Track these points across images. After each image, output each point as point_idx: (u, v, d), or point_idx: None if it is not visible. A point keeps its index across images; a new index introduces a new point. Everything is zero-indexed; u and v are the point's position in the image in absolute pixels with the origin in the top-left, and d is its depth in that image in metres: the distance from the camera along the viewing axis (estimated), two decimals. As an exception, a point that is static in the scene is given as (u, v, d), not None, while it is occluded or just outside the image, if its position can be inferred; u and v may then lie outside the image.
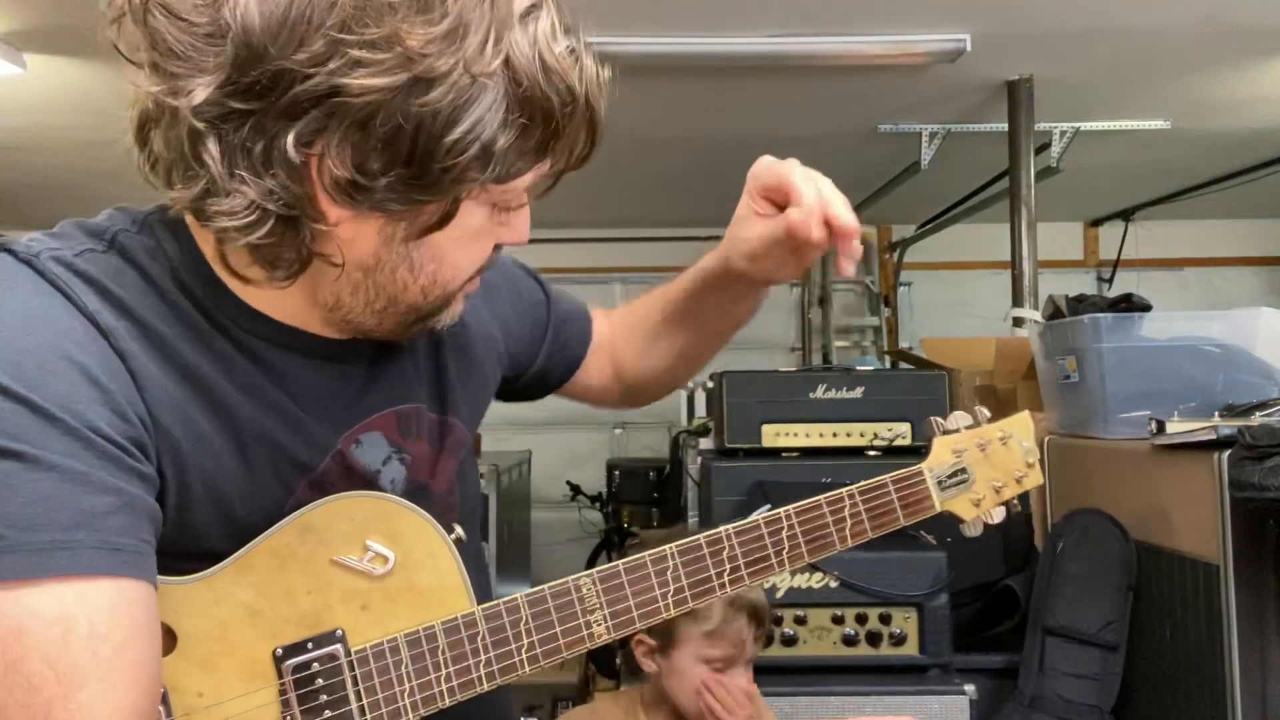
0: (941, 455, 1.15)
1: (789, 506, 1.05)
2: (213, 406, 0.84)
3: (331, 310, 0.87)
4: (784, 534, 1.03)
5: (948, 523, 1.16)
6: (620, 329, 1.29)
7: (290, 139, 0.74)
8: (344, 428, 0.92)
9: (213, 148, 0.75)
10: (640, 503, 4.97)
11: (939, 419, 1.18)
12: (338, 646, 0.87)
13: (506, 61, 0.76)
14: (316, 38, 0.72)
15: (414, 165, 0.75)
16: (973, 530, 1.16)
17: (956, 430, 1.16)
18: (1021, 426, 1.19)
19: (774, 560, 1.03)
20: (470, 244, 0.87)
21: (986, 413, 1.18)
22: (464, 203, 0.81)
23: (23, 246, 0.82)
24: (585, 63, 0.82)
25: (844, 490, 1.07)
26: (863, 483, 1.08)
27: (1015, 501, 1.18)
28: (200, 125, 0.74)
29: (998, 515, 1.17)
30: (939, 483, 1.13)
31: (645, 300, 1.28)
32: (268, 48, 0.72)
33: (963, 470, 1.14)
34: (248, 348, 0.86)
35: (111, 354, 0.79)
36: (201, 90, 0.73)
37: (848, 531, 1.06)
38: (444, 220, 0.81)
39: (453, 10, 0.74)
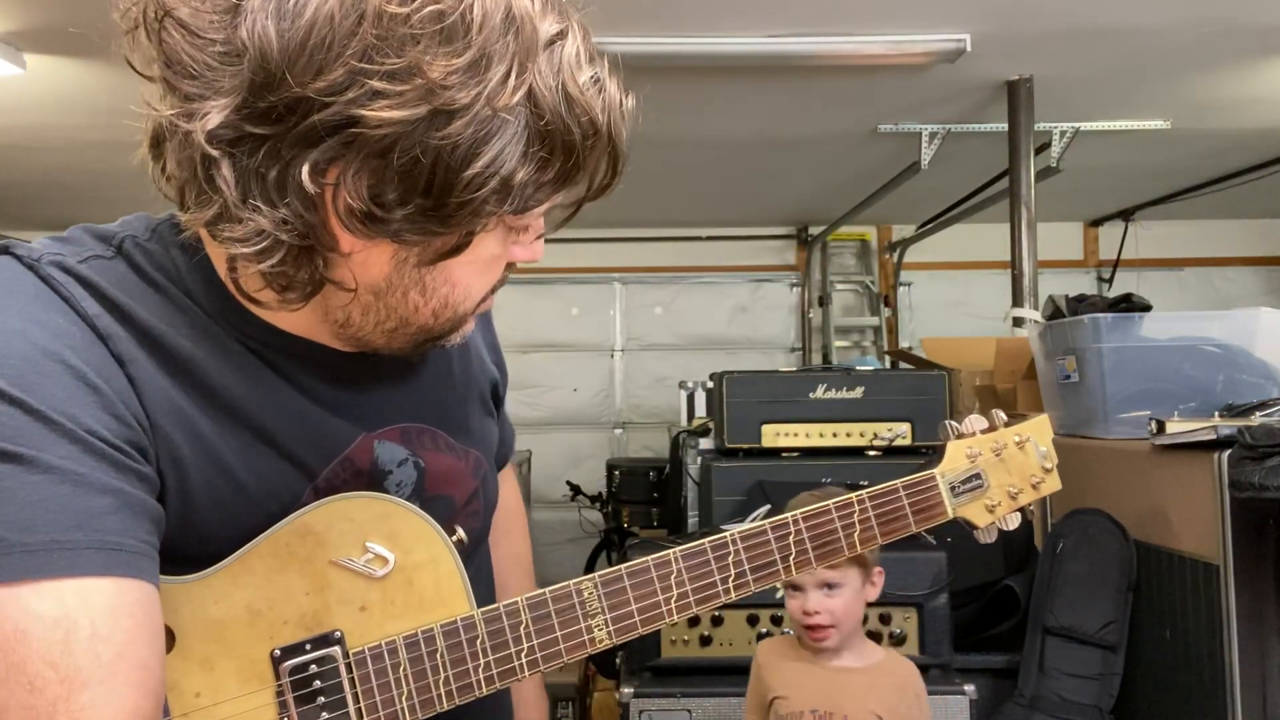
0: (955, 460, 1.11)
1: (797, 511, 1.03)
2: (219, 410, 0.84)
3: (342, 327, 0.87)
4: (791, 540, 1.01)
5: (949, 523, 1.15)
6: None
7: (306, 168, 0.73)
8: (357, 434, 0.92)
9: (226, 174, 0.73)
10: (640, 503, 4.96)
11: (953, 422, 1.15)
12: (336, 648, 0.87)
13: (529, 94, 0.74)
14: (336, 66, 0.71)
15: (431, 197, 0.74)
16: (986, 537, 1.13)
17: (971, 434, 1.13)
18: (1039, 430, 1.16)
19: (780, 566, 1.01)
20: (484, 269, 0.86)
21: (1003, 416, 1.15)
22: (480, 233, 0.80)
23: (26, 250, 0.81)
24: (609, 91, 0.79)
25: (853, 495, 1.05)
26: (873, 488, 1.06)
27: (1031, 507, 1.15)
28: (214, 152, 0.73)
29: (1013, 521, 1.13)
30: (952, 488, 1.10)
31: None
32: (285, 74, 0.71)
33: (977, 475, 1.12)
34: (259, 353, 0.86)
35: (110, 359, 0.79)
36: (216, 114, 0.72)
37: (856, 538, 1.04)
38: (458, 249, 0.80)
39: (476, 41, 0.72)
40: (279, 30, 0.71)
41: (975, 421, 1.15)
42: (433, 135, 0.72)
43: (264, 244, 0.75)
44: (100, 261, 0.82)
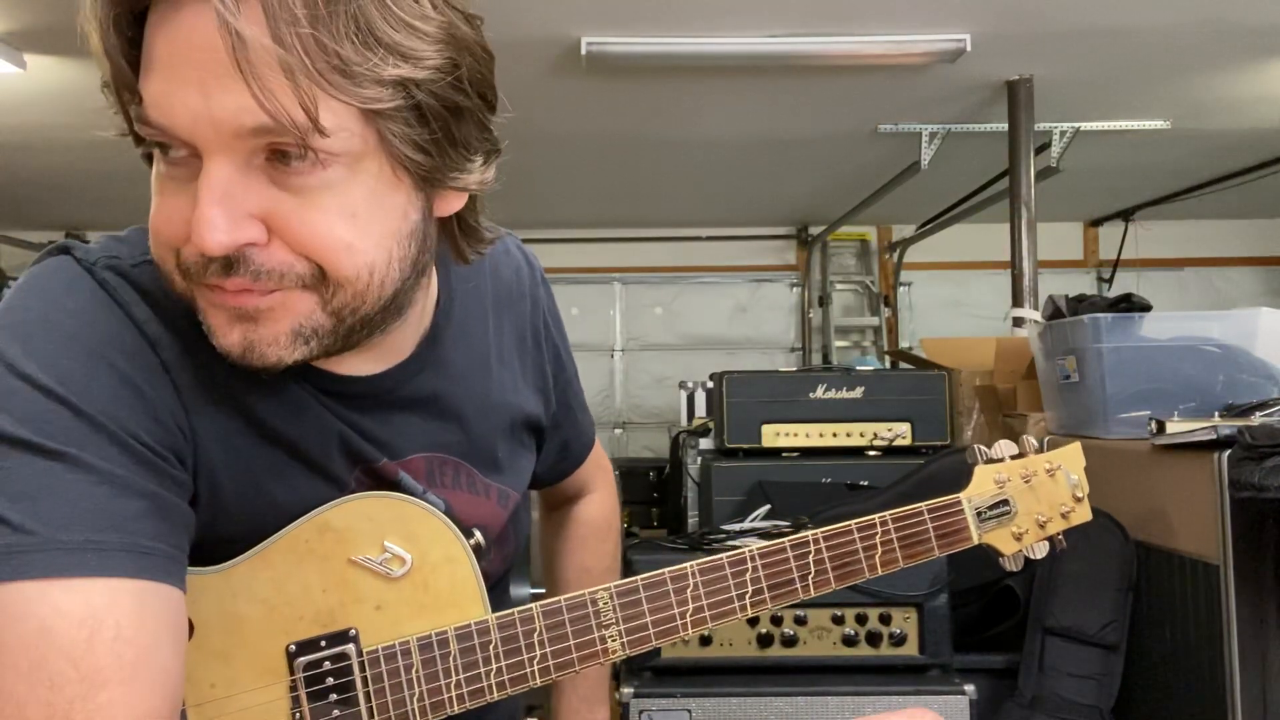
0: (983, 485, 1.10)
1: (818, 530, 1.01)
2: (252, 424, 0.84)
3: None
4: (810, 559, 1.00)
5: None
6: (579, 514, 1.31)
7: None
8: (379, 460, 0.91)
9: None
10: (640, 503, 4.97)
11: (982, 446, 1.12)
12: (350, 646, 0.87)
13: None
14: None
15: None
16: (1013, 564, 1.11)
17: (1000, 459, 1.12)
18: (1071, 458, 1.13)
19: (799, 585, 1.00)
20: (159, 196, 0.77)
21: (1034, 442, 1.13)
22: (154, 154, 0.77)
23: (83, 251, 0.82)
24: None
25: (876, 516, 1.04)
26: (897, 510, 1.04)
27: (1060, 536, 1.13)
28: None
29: (1040, 550, 1.12)
30: (978, 514, 1.08)
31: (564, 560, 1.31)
32: None
33: (1004, 502, 1.10)
34: (291, 375, 0.86)
35: (156, 364, 0.79)
36: None
37: (878, 560, 1.03)
38: (143, 146, 0.78)
39: None
40: None
41: (1005, 447, 1.12)
42: None
43: None
44: (153, 267, 0.82)
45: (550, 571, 1.31)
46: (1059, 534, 1.13)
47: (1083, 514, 1.14)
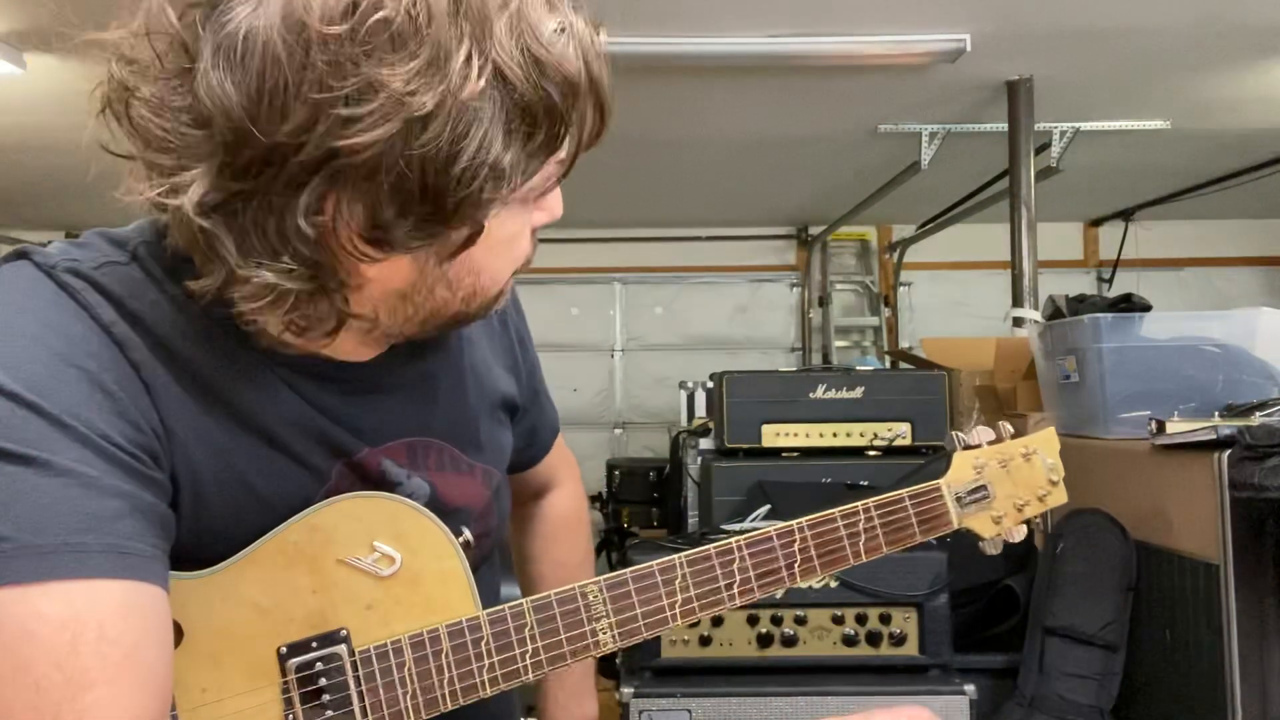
0: (962, 471, 1.13)
1: (802, 519, 1.03)
2: (229, 416, 0.84)
3: (370, 329, 0.86)
4: (796, 546, 1.02)
5: (955, 532, 1.15)
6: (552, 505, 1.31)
7: (300, 212, 0.72)
8: (361, 449, 0.91)
9: (225, 239, 0.73)
10: (640, 503, 4.97)
11: (960, 433, 1.15)
12: (341, 646, 0.87)
13: (496, 72, 0.71)
14: (297, 105, 0.68)
15: (428, 203, 0.73)
16: (992, 548, 1.14)
17: (978, 445, 1.14)
18: (1046, 443, 1.16)
19: (785, 573, 1.02)
20: (506, 249, 0.85)
21: (1010, 428, 1.16)
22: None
23: (42, 256, 0.81)
24: (579, 37, 0.76)
25: (859, 504, 1.06)
26: (879, 497, 1.07)
27: (1037, 519, 1.16)
28: (206, 223, 0.72)
29: (1019, 533, 1.14)
30: (958, 499, 1.11)
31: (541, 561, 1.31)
32: (252, 127, 0.69)
33: (983, 487, 1.12)
34: (266, 363, 0.86)
35: (125, 365, 0.79)
36: (199, 184, 0.72)
37: (862, 546, 1.05)
38: (472, 239, 0.78)
39: (428, 36, 0.69)
40: (234, 83, 0.69)
41: (982, 433, 1.15)
42: (412, 145, 0.70)
43: (270, 297, 0.75)
44: (115, 267, 0.82)
45: (523, 568, 1.31)
46: (1036, 517, 1.16)
47: (1058, 497, 1.16)
